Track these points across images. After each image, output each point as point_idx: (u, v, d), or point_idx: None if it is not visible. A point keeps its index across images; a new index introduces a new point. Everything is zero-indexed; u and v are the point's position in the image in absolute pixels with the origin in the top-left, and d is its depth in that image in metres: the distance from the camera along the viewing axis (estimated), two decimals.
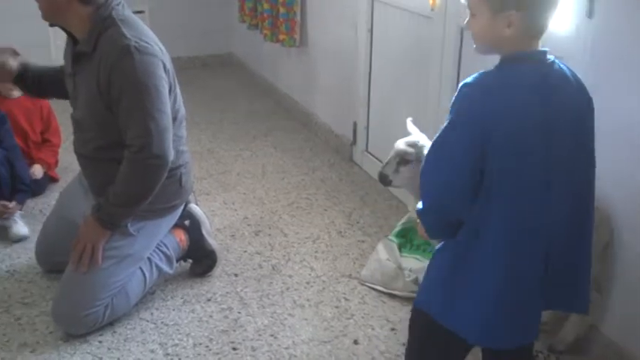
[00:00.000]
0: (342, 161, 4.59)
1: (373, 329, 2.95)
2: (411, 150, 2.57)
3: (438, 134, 1.77)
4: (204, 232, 3.26)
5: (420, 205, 1.87)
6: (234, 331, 2.93)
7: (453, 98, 1.74)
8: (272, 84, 5.74)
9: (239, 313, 3.05)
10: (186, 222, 3.25)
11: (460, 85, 1.74)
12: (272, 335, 2.91)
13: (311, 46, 4.97)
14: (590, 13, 2.53)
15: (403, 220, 3.46)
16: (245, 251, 3.52)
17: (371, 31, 4.13)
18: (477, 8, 1.74)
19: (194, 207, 3.30)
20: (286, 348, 2.83)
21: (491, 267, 1.79)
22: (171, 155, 2.74)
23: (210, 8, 6.38)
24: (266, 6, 5.14)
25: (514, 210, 1.75)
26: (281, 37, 5.02)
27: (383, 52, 4.08)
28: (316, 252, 3.53)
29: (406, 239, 3.38)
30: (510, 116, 1.68)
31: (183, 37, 6.19)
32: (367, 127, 4.39)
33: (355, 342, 2.87)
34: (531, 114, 1.69)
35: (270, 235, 3.68)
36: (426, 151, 2.43)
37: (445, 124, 1.75)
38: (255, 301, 3.12)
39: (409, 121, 2.70)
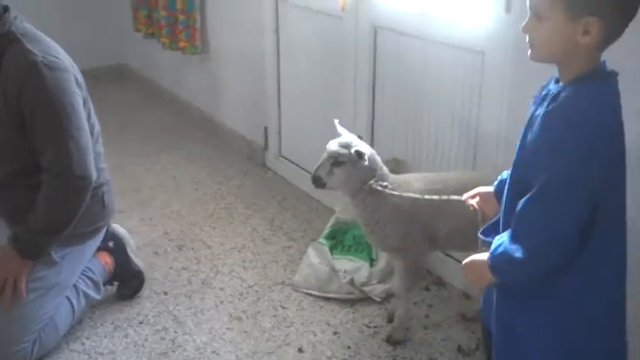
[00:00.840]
0: (256, 167, 4.54)
1: (315, 335, 2.92)
2: (344, 151, 2.55)
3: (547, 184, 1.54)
4: (129, 252, 3.14)
5: (516, 252, 1.60)
6: (174, 352, 2.83)
7: (549, 135, 1.54)
8: (174, 94, 5.60)
9: (175, 332, 2.94)
10: (110, 243, 3.11)
11: (552, 117, 1.54)
12: (214, 352, 2.83)
13: (214, 52, 4.88)
14: (507, 8, 2.58)
15: (331, 223, 3.45)
16: (171, 268, 3.42)
17: (277, 32, 4.09)
18: (546, 11, 1.52)
19: (117, 227, 3.17)
20: None
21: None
22: (94, 174, 2.61)
23: (99, 18, 6.13)
24: (163, 13, 5.00)
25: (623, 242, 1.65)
26: (181, 44, 4.89)
27: (292, 54, 4.05)
28: (244, 262, 3.47)
29: (336, 241, 3.37)
30: (613, 144, 1.55)
31: (69, 49, 5.91)
32: (279, 132, 4.35)
33: (300, 350, 2.84)
34: (622, 142, 1.57)
35: (193, 248, 3.59)
36: (362, 150, 2.46)
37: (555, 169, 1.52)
38: (189, 319, 3.03)
39: (337, 122, 2.68)
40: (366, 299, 3.15)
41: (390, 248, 2.76)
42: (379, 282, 3.19)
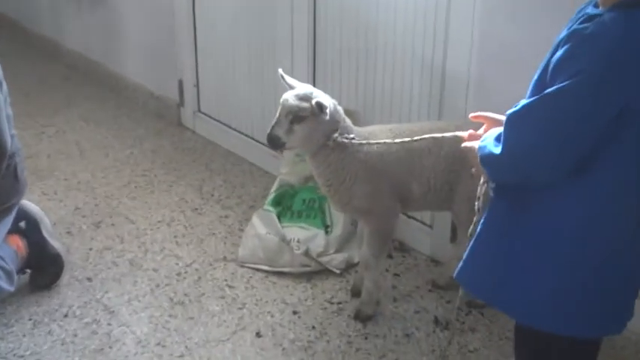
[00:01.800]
0: (170, 126, 4.31)
1: (273, 316, 2.78)
2: (304, 104, 2.39)
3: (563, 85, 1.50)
4: (44, 233, 2.91)
5: (495, 148, 1.62)
6: (111, 347, 2.63)
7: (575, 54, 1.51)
8: (59, 45, 5.24)
9: (109, 325, 2.74)
10: (22, 224, 2.85)
11: (581, 36, 1.50)
12: (159, 344, 2.64)
13: None
14: None
15: (275, 186, 3.30)
16: (90, 249, 3.19)
17: None
18: None
19: (28, 204, 2.92)
20: (180, 356, 2.58)
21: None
22: (9, 141, 2.38)
23: None
24: None
25: None
26: None
27: None
28: (175, 237, 3.28)
29: (284, 207, 3.22)
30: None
31: None
32: (197, 85, 4.13)
33: (258, 334, 2.70)
34: None
35: (114, 225, 3.36)
36: (323, 101, 2.32)
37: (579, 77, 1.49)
38: (123, 307, 2.83)
39: (281, 72, 2.50)
40: (324, 272, 3.03)
41: (356, 210, 2.63)
42: (337, 251, 3.08)
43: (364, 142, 2.43)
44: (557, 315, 1.68)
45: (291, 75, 3.22)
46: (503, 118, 1.69)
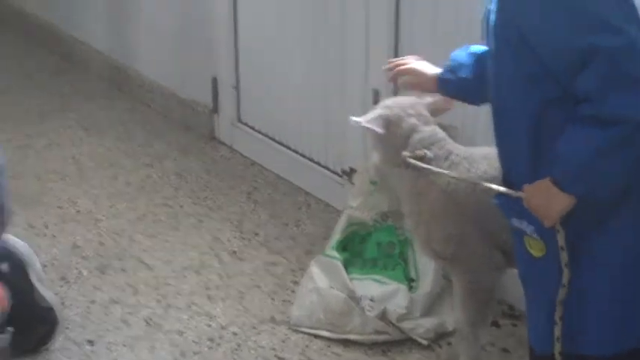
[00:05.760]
0: (200, 141, 4.44)
1: None
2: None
3: None
4: (33, 279, 3.01)
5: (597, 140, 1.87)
6: None
7: None
8: (52, 28, 5.44)
9: None
10: (3, 267, 2.97)
11: None
12: None
13: None
14: None
15: (342, 225, 3.36)
16: (93, 301, 3.30)
17: None
18: None
19: (13, 240, 3.03)
20: None
21: None
22: None
23: None
24: None
25: None
26: None
27: None
28: (207, 288, 3.38)
29: (352, 253, 3.29)
30: None
31: None
32: (237, 87, 4.26)
33: None
34: None
35: (124, 270, 3.48)
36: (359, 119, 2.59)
37: None
38: None
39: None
40: (407, 342, 3.09)
41: (438, 256, 2.74)
42: (424, 315, 3.12)
43: (425, 166, 2.53)
44: None
45: (365, 83, 3.39)
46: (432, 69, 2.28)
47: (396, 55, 3.39)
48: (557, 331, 2.06)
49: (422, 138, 2.61)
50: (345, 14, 3.59)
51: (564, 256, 2.01)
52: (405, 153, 2.57)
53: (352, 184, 3.39)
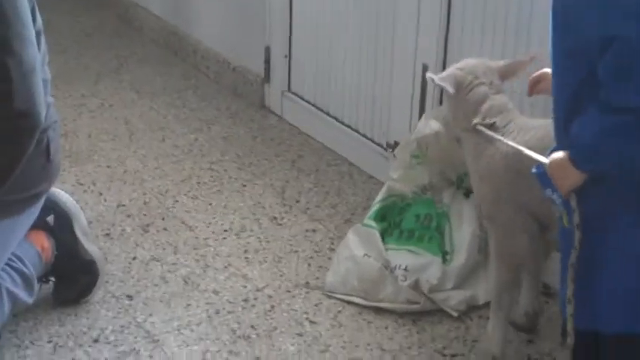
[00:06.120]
0: (250, 108, 4.50)
1: None
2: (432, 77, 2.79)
3: None
4: (78, 232, 3.09)
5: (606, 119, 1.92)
6: None
7: None
8: None
9: (150, 357, 2.90)
10: (49, 218, 3.05)
11: None
12: None
13: None
14: None
15: (382, 195, 3.40)
16: (134, 258, 3.38)
17: None
18: None
19: (60, 194, 3.12)
20: None
21: None
22: (44, 110, 2.58)
23: None
24: None
25: None
26: None
27: None
28: (246, 251, 3.43)
29: (390, 223, 3.33)
30: None
31: None
32: (289, 56, 4.31)
33: None
34: None
35: (166, 229, 3.55)
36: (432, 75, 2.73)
37: None
38: (171, 337, 2.99)
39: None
40: (438, 312, 3.12)
41: (483, 214, 2.87)
42: (457, 287, 3.16)
43: (491, 134, 2.63)
44: None
45: (414, 57, 3.45)
46: None
47: (447, 30, 3.42)
48: (570, 293, 2.12)
49: (492, 106, 2.71)
50: None
51: (578, 234, 2.07)
52: (476, 120, 2.68)
53: (395, 157, 3.42)
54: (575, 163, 2.00)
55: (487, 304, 2.99)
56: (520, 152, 2.44)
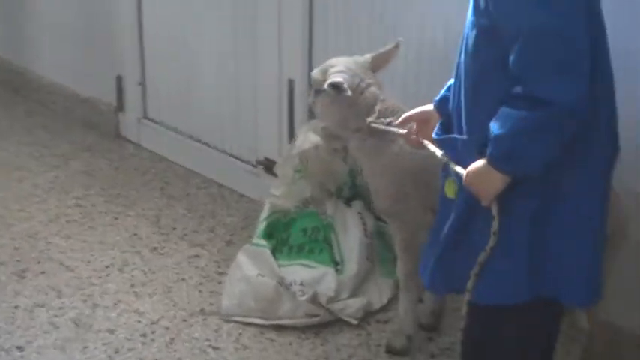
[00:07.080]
0: (105, 139, 4.44)
1: None
2: (318, 77, 2.81)
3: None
4: None
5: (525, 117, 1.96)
6: None
7: None
8: None
9: None
10: None
11: None
12: None
13: None
14: None
15: (265, 213, 3.40)
16: (16, 306, 3.26)
17: None
18: None
19: None
20: None
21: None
22: None
23: None
24: None
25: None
26: None
27: None
28: (132, 285, 3.37)
29: (277, 240, 3.34)
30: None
31: None
32: (143, 83, 4.27)
33: None
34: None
35: (44, 272, 3.45)
36: (337, 79, 2.68)
37: None
38: None
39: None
40: (338, 322, 3.14)
41: (382, 211, 2.93)
42: (352, 295, 3.19)
43: (390, 129, 2.66)
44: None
45: (280, 73, 3.50)
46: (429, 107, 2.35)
47: (310, 44, 3.44)
48: (474, 272, 2.16)
49: (386, 107, 2.75)
50: (255, 3, 3.62)
51: (493, 240, 2.12)
52: (370, 119, 2.72)
53: (271, 174, 3.44)
54: (495, 164, 2.01)
55: (382, 309, 3.13)
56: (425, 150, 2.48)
